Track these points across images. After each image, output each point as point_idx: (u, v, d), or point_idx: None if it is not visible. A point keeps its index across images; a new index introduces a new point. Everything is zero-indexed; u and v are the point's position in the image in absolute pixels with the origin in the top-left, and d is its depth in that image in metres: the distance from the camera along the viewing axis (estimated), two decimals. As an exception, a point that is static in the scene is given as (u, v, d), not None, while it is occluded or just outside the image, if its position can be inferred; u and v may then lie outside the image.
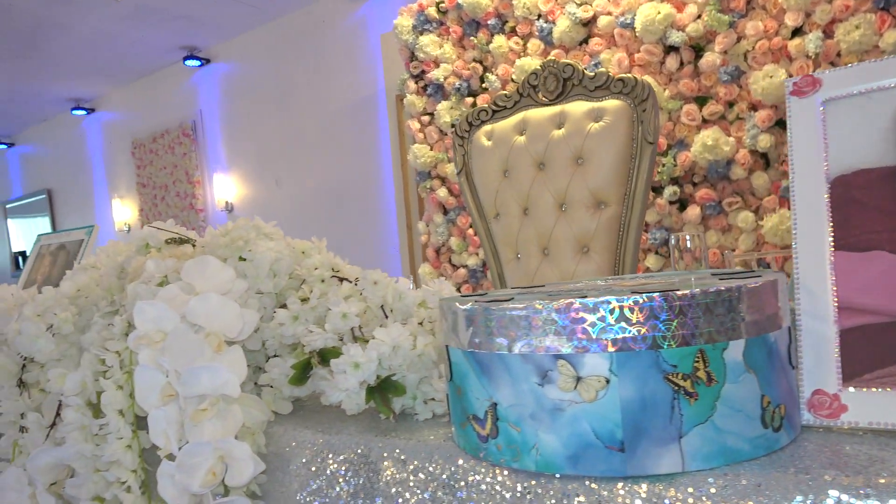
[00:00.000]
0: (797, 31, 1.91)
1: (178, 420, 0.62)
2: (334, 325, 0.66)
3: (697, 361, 0.41)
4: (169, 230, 0.87)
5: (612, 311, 0.41)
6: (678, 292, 0.41)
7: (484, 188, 1.67)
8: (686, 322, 0.41)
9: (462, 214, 2.64)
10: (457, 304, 0.49)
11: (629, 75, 1.51)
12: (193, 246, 0.84)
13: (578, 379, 0.41)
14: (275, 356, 0.73)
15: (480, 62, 2.51)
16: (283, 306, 0.73)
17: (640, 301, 0.40)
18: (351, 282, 0.73)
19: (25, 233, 7.14)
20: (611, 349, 0.40)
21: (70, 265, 1.32)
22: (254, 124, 4.64)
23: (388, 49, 3.29)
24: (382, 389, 0.60)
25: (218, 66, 4.83)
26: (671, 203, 2.15)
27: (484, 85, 2.52)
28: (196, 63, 4.85)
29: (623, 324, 0.40)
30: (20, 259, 7.20)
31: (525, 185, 1.59)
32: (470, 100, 2.57)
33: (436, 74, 2.59)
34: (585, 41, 2.28)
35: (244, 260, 0.76)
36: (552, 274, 1.57)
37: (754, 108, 2.00)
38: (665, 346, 0.40)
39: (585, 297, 0.42)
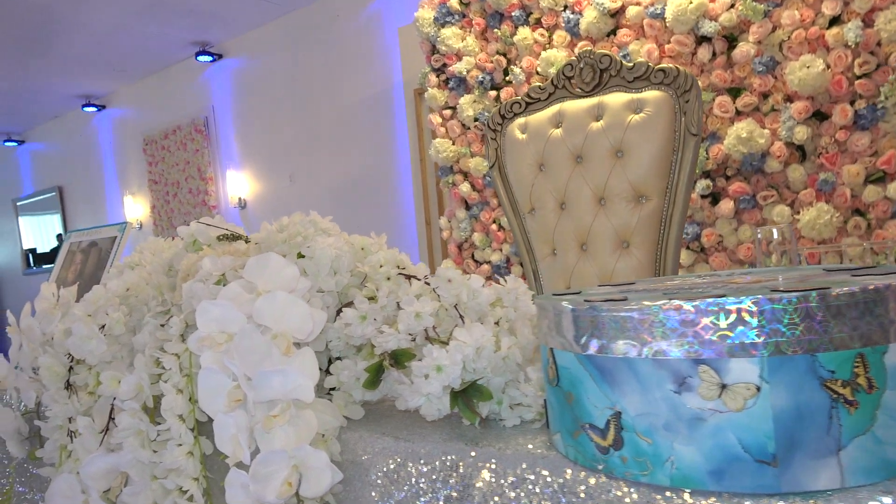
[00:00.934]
0: (835, 20, 1.86)
1: (247, 426, 0.58)
2: (407, 325, 0.62)
3: (857, 366, 0.37)
4: (218, 226, 0.84)
5: (761, 312, 0.37)
6: (835, 291, 0.37)
7: (518, 182, 1.63)
8: (844, 323, 0.37)
9: (486, 210, 2.60)
10: (570, 304, 0.45)
11: (670, 65, 1.47)
12: (247, 242, 0.81)
13: (723, 386, 0.37)
14: (338, 358, 0.70)
15: (504, 55, 2.46)
16: (347, 305, 0.70)
17: (795, 301, 0.36)
18: (419, 279, 0.69)
19: (36, 230, 7.14)
20: (761, 354, 0.37)
21: (103, 263, 1.29)
22: (267, 120, 4.61)
23: (406, 43, 3.25)
24: (467, 394, 0.57)
25: (230, 61, 4.80)
26: (703, 197, 2.10)
27: (508, 78, 2.48)
28: (208, 59, 4.82)
29: (776, 325, 0.37)
30: (31, 257, 7.20)
31: (562, 179, 1.55)
32: (493, 93, 2.52)
33: (458, 68, 2.55)
34: (613, 32, 2.24)
35: (302, 257, 0.73)
36: (591, 270, 1.53)
37: (790, 99, 1.95)
38: (822, 350, 0.37)
39: (724, 295, 0.39)
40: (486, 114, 2.54)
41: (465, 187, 2.62)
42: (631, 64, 1.51)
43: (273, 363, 0.60)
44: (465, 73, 2.54)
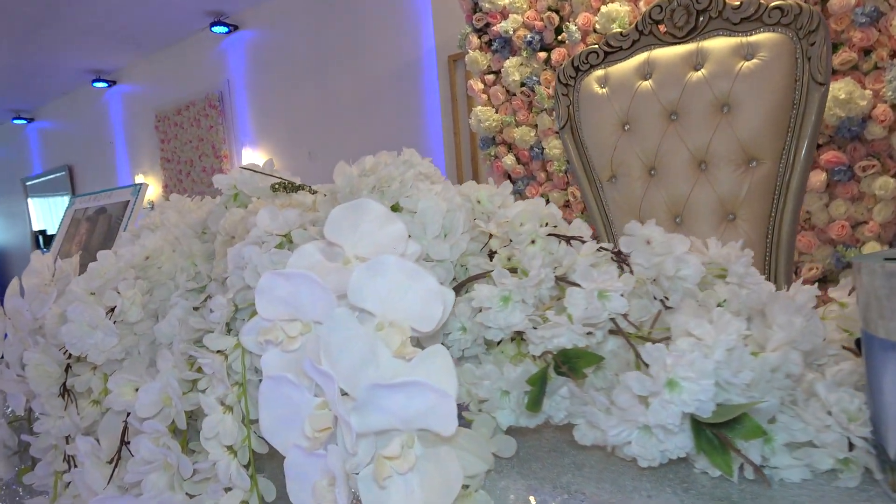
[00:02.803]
0: (960, -40, 1.60)
1: (342, 472, 0.36)
2: (586, 311, 0.39)
3: None
4: (270, 173, 0.61)
5: None
6: None
7: (596, 145, 1.39)
8: None
9: (532, 184, 2.37)
10: None
11: (790, 1, 1.23)
12: (312, 193, 0.58)
13: None
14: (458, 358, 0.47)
15: (556, 11, 2.21)
16: (469, 281, 0.47)
17: None
18: (584, 241, 0.46)
19: (46, 211, 6.96)
20: None
21: (113, 234, 1.07)
22: (285, 94, 4.37)
23: (440, 4, 3.00)
24: (720, 426, 0.34)
25: (246, 32, 4.55)
26: (788, 169, 1.85)
27: (560, 37, 2.23)
28: (223, 30, 4.57)
29: None
30: (41, 238, 7.02)
31: (652, 141, 1.31)
32: (543, 55, 2.27)
33: (504, 27, 2.30)
34: (685, -18, 1.98)
35: (399, 210, 0.50)
36: (687, 247, 1.29)
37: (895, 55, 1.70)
38: None
39: None
40: (535, 78, 2.29)
41: (508, 160, 2.38)
42: (738, 2, 1.26)
43: (384, 370, 0.38)
44: (511, 32, 2.29)
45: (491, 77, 2.42)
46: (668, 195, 1.31)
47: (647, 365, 0.37)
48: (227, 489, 0.43)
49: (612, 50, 1.40)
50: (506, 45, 2.35)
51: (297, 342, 0.40)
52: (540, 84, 2.28)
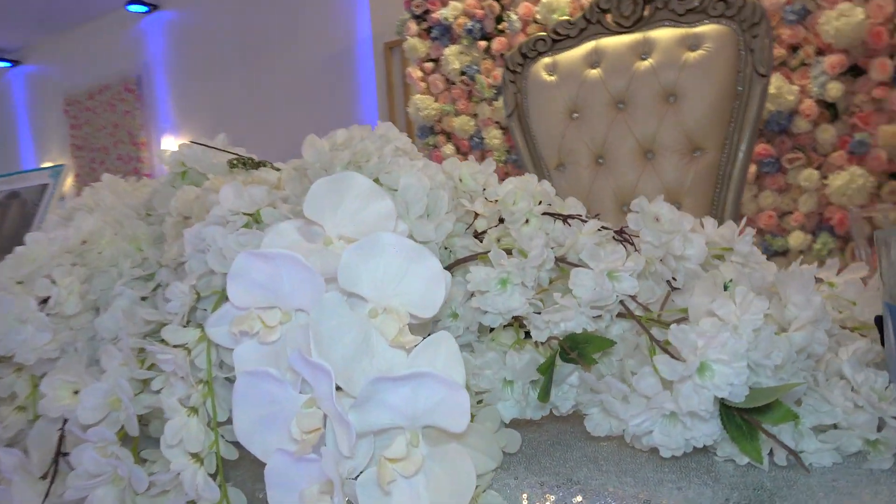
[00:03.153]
0: (877, -35, 1.69)
1: (336, 477, 0.31)
2: (594, 292, 0.37)
3: None
4: (224, 149, 0.56)
5: None
6: None
7: (544, 133, 1.38)
8: None
9: (471, 175, 2.34)
10: None
11: (734, -6, 1.25)
12: (277, 170, 0.53)
13: None
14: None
15: (497, 0, 2.20)
16: (458, 264, 0.44)
17: None
18: (584, 220, 0.43)
19: (-61, 201, 6.39)
20: None
21: (29, 220, 0.97)
22: (208, 79, 4.17)
23: (376, -11, 2.93)
24: (751, 411, 0.32)
25: (167, 12, 4.31)
26: (721, 161, 1.91)
27: (501, 26, 2.21)
28: (141, 9, 4.31)
29: None
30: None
31: (600, 129, 1.31)
32: (483, 43, 2.25)
33: (444, 14, 2.26)
34: (623, -24, 2.00)
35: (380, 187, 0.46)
36: (635, 236, 1.30)
37: (822, 52, 1.78)
38: None
39: None
40: (475, 67, 2.27)
41: (448, 149, 2.36)
42: (682, -7, 1.28)
43: (379, 361, 0.34)
44: (451, 20, 2.26)
45: (430, 65, 2.38)
46: (615, 184, 1.31)
47: (662, 349, 0.34)
48: (192, 502, 0.38)
49: (560, 38, 1.39)
50: (445, 33, 2.31)
51: (276, 332, 0.36)
52: (480, 73, 2.26)
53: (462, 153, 2.36)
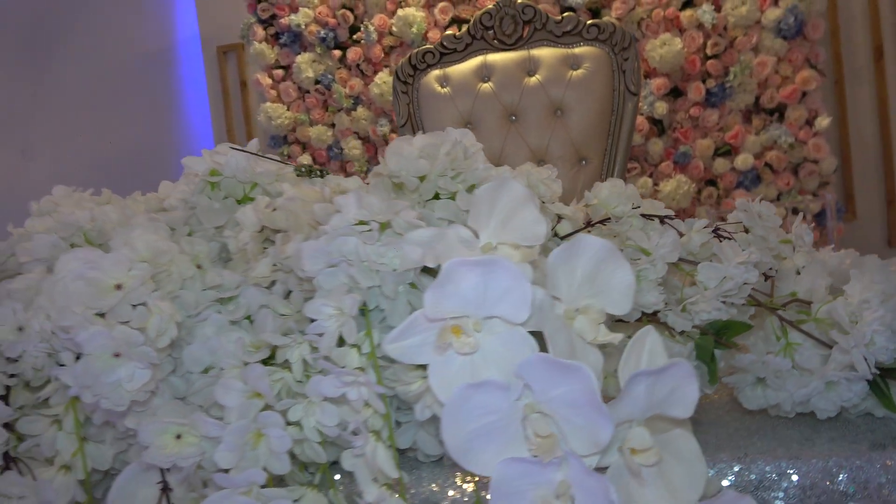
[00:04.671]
0: (688, 3, 1.99)
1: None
2: (729, 283, 0.41)
3: None
4: (269, 157, 0.51)
5: None
6: None
7: (439, 143, 1.41)
8: None
9: (329, 186, 2.29)
10: None
11: (606, 21, 1.40)
12: (321, 176, 0.50)
13: None
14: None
15: (351, 10, 2.18)
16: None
17: None
18: (668, 220, 0.47)
19: None
20: None
21: None
22: (-18, 78, 3.55)
23: (206, -11, 2.74)
24: (890, 372, 0.38)
25: (-80, -4, 3.58)
26: (570, 170, 2.11)
27: (356, 36, 2.20)
28: None
29: None
30: None
31: (496, 140, 1.38)
32: (338, 52, 2.22)
33: (295, 20, 2.19)
34: (475, -4, 2.12)
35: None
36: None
37: (648, 75, 2.04)
38: None
39: None
40: (330, 76, 2.23)
41: (305, 160, 2.28)
42: (559, 18, 1.40)
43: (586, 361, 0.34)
44: (302, 27, 2.20)
45: (280, 72, 2.29)
46: (512, 191, 1.39)
47: (799, 330, 0.40)
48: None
49: (447, 51, 1.44)
50: (296, 40, 2.25)
51: (475, 342, 0.34)
52: (336, 82, 2.23)
53: (319, 164, 2.31)
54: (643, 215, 0.47)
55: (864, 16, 2.16)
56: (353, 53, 2.20)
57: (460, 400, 0.33)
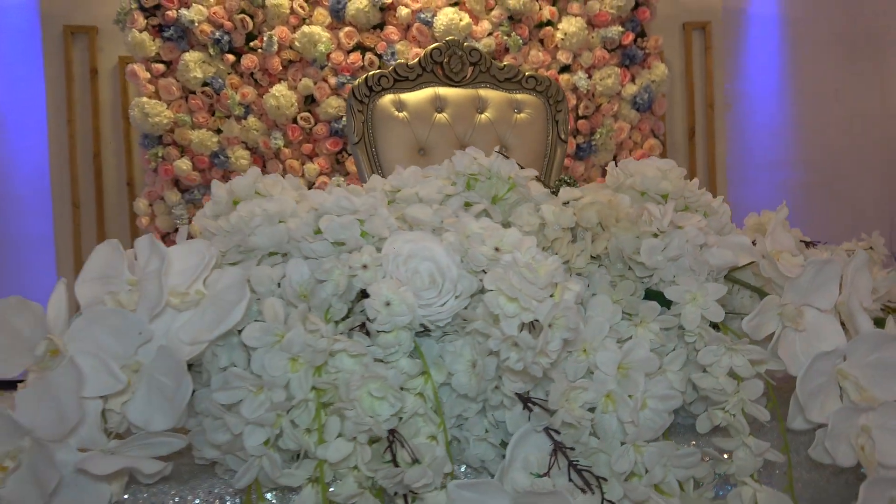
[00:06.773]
0: (566, 68, 2.30)
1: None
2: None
3: None
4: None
5: None
6: None
7: (392, 163, 1.46)
8: None
9: (208, 195, 2.16)
10: None
11: (543, 75, 1.59)
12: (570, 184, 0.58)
13: None
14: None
15: (251, 16, 2.11)
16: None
17: None
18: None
19: None
20: None
21: None
22: None
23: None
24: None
25: None
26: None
27: (252, 44, 2.13)
28: None
29: None
30: None
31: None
32: (231, 57, 2.12)
33: (186, 15, 2.05)
34: (380, 26, 2.19)
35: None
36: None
37: (529, 125, 2.29)
38: None
39: None
40: (220, 80, 2.12)
41: (183, 164, 2.11)
42: (502, 65, 1.56)
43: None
44: (194, 24, 2.07)
45: (161, 66, 2.12)
46: (459, 217, 1.49)
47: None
48: None
49: (401, 78, 1.51)
50: (184, 36, 2.10)
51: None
52: (227, 87, 2.13)
53: (199, 170, 2.16)
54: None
55: (683, 102, 2.69)
56: (248, 61, 2.13)
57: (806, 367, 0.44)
